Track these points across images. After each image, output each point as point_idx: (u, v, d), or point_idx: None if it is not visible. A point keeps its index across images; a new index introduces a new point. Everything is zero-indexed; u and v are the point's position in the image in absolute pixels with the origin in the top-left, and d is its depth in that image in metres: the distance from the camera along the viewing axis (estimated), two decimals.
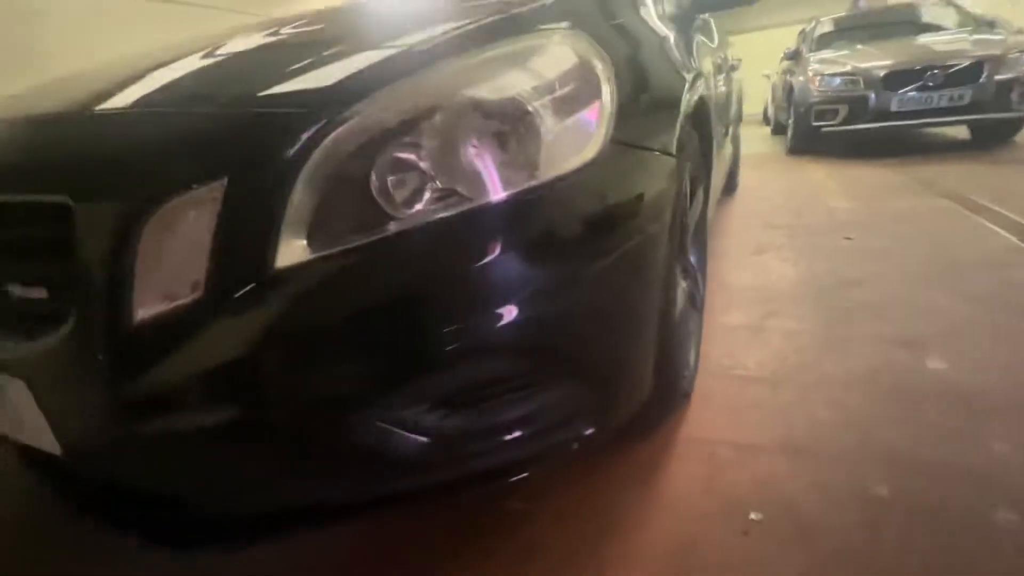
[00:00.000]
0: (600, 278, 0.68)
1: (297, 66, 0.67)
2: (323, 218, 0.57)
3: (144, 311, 0.54)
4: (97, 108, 0.70)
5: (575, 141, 0.66)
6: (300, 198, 0.56)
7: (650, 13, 1.10)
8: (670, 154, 0.81)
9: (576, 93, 0.68)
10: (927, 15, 5.08)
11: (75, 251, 0.56)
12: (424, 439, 0.62)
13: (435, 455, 0.64)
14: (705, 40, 1.54)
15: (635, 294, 0.74)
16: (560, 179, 0.63)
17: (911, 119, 4.04)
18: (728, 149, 2.43)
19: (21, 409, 0.63)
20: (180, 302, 0.54)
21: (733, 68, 2.43)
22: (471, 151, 0.61)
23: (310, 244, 0.56)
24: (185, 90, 0.70)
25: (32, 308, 0.65)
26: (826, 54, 4.76)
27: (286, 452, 0.59)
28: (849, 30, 5.33)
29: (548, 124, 0.64)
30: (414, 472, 0.65)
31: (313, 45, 0.77)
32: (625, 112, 0.72)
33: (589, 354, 0.70)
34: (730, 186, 3.31)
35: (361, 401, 0.59)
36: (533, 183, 0.62)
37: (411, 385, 0.60)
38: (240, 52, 0.72)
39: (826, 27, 5.51)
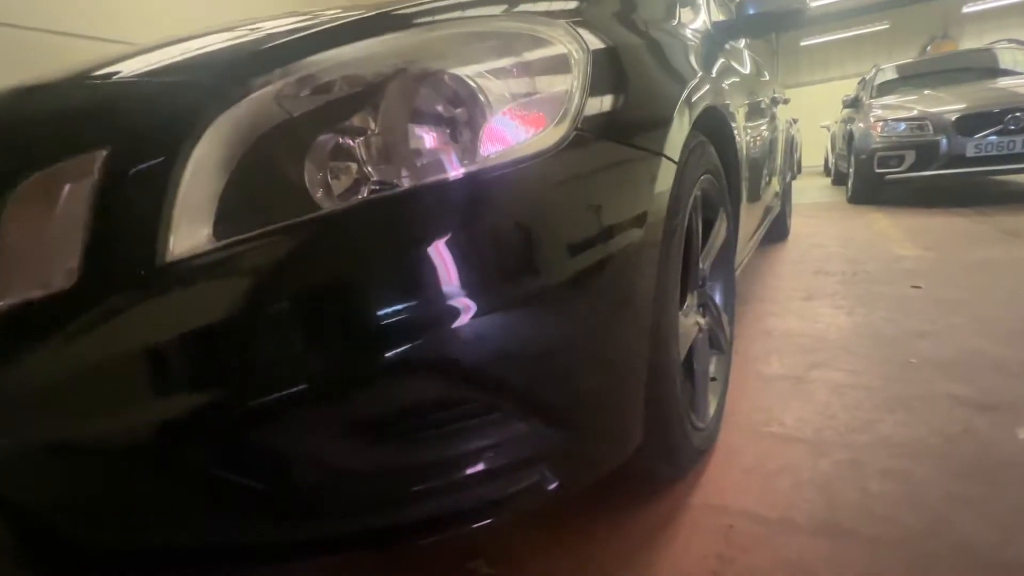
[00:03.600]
0: (564, 285, 0.56)
1: (223, 46, 0.62)
2: (236, 203, 0.50)
3: (6, 299, 0.47)
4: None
5: (534, 127, 0.56)
6: (203, 179, 0.49)
7: (671, 22, 1.02)
8: (664, 156, 0.69)
9: (539, 78, 0.59)
10: (1005, 59, 4.76)
11: None
12: (336, 474, 0.51)
13: (347, 495, 0.52)
14: (736, 65, 1.45)
15: (613, 310, 0.61)
16: (515, 163, 0.54)
17: (990, 165, 3.69)
18: (772, 190, 2.26)
19: None
20: (51, 291, 0.47)
21: (775, 103, 2.30)
22: (412, 131, 0.53)
23: (216, 231, 0.49)
24: (92, 72, 0.65)
25: None
26: (889, 100, 4.52)
27: (157, 480, 0.49)
28: (914, 77, 5.08)
29: (501, 107, 0.55)
30: (323, 516, 0.53)
31: (257, 32, 0.73)
32: (604, 103, 0.62)
33: (548, 382, 0.56)
34: (780, 233, 3.12)
35: (259, 423, 0.48)
36: (482, 166, 0.53)
37: (313, 408, 0.49)
38: (181, 45, 0.68)
39: (888, 74, 5.28)
